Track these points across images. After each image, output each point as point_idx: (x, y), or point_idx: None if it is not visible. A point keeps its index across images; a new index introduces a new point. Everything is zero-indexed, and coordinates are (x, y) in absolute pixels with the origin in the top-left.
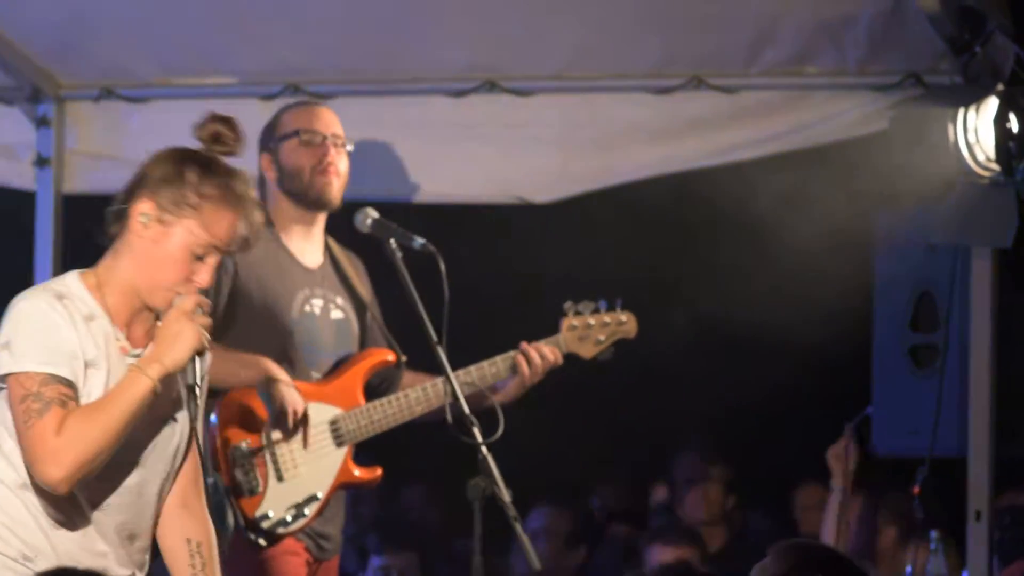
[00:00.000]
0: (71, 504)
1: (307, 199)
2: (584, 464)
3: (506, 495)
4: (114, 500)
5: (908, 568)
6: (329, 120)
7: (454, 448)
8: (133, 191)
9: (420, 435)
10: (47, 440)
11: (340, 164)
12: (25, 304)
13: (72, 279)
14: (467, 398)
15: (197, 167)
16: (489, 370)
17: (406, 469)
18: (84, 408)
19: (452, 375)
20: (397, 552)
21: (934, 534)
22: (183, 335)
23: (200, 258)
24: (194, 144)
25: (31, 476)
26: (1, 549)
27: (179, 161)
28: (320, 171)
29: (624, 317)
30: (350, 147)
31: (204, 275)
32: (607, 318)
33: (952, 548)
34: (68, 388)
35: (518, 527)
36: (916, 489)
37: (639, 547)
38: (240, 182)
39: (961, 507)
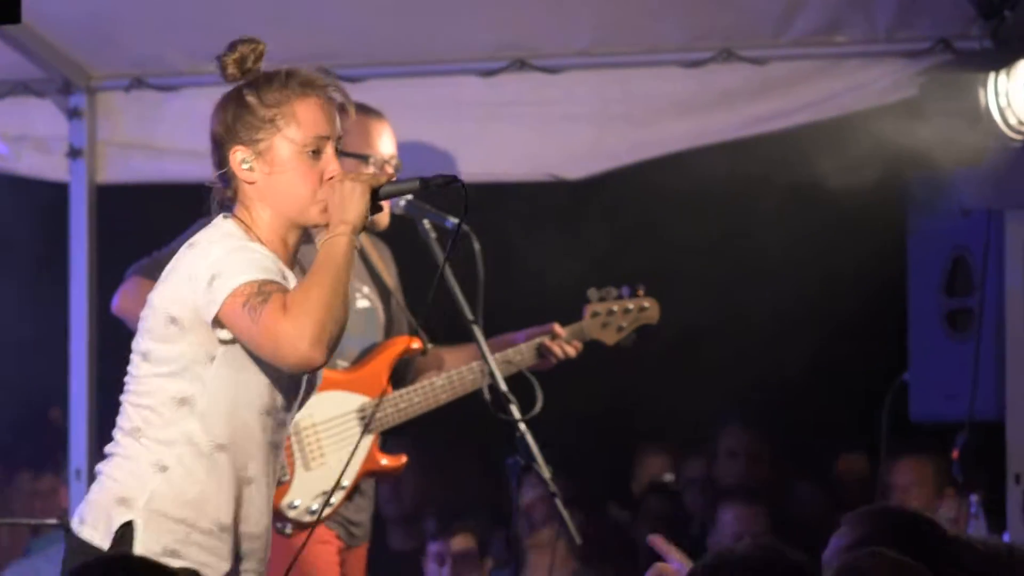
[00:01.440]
0: (260, 453)
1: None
2: (622, 439)
3: (546, 471)
4: (283, 440)
5: None
6: (387, 140)
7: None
8: (220, 154)
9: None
10: (279, 322)
11: None
12: (220, 244)
13: (235, 229)
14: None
15: (249, 89)
16: (514, 357)
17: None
18: (298, 285)
19: (489, 354)
20: (452, 536)
21: (974, 498)
22: (348, 193)
23: (316, 153)
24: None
25: (284, 365)
26: (196, 522)
27: (231, 99)
28: None
29: (647, 303)
30: (400, 162)
31: (332, 165)
32: (630, 304)
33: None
34: (280, 285)
35: (559, 503)
36: (955, 453)
37: (676, 520)
38: (292, 72)
39: (1001, 471)
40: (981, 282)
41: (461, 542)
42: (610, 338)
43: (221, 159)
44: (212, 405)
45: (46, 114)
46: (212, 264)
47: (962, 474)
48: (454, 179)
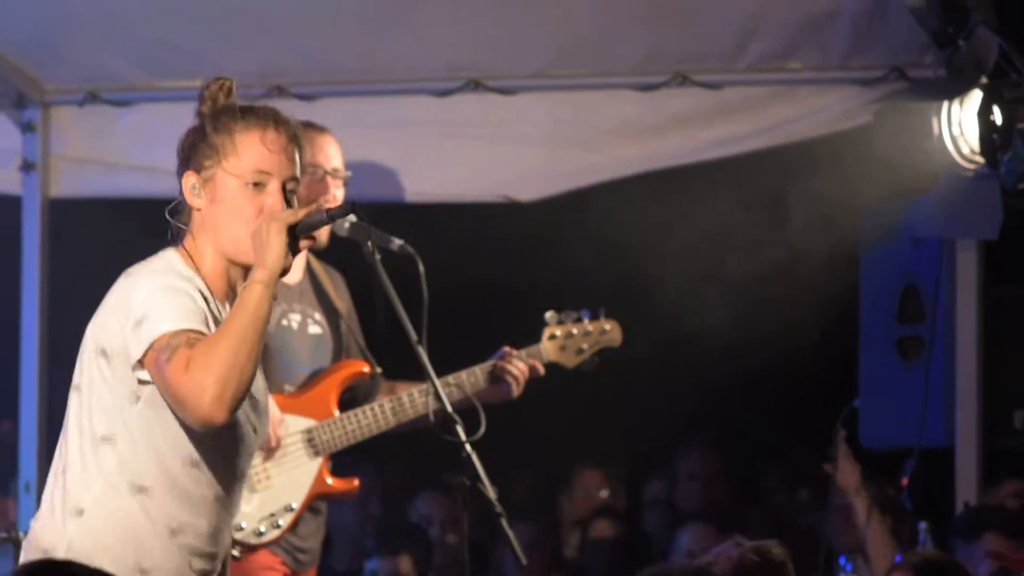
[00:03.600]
0: (192, 505)
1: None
2: (567, 461)
3: (491, 492)
4: (234, 492)
5: (898, 557)
6: (332, 153)
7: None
8: (179, 179)
9: None
10: (180, 378)
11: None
12: (151, 279)
13: (177, 260)
14: (449, 398)
15: (206, 119)
16: (468, 380)
17: None
18: (207, 337)
19: (433, 373)
20: (391, 556)
21: (922, 525)
22: (266, 236)
23: (259, 186)
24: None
25: (189, 424)
26: (116, 568)
27: (193, 129)
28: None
29: (608, 325)
30: (348, 173)
31: (270, 201)
32: (590, 327)
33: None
34: (198, 334)
35: (504, 523)
36: (904, 480)
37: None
38: (249, 107)
39: (949, 498)
40: (932, 310)
41: (398, 563)
42: (570, 360)
43: (180, 186)
44: (133, 446)
45: None
46: (140, 304)
47: (911, 501)
48: (352, 207)
